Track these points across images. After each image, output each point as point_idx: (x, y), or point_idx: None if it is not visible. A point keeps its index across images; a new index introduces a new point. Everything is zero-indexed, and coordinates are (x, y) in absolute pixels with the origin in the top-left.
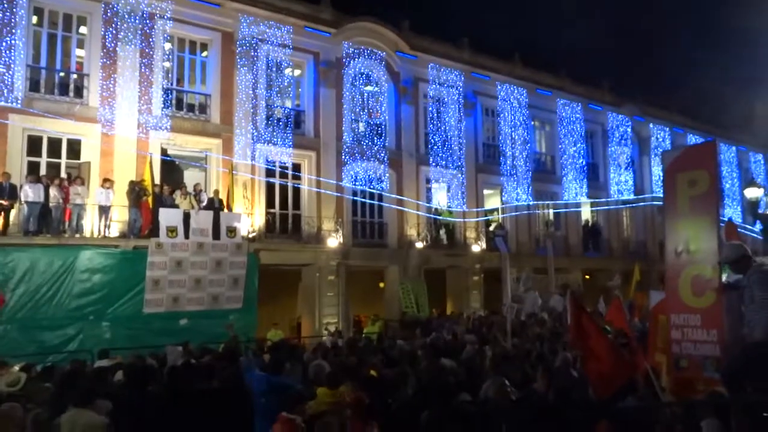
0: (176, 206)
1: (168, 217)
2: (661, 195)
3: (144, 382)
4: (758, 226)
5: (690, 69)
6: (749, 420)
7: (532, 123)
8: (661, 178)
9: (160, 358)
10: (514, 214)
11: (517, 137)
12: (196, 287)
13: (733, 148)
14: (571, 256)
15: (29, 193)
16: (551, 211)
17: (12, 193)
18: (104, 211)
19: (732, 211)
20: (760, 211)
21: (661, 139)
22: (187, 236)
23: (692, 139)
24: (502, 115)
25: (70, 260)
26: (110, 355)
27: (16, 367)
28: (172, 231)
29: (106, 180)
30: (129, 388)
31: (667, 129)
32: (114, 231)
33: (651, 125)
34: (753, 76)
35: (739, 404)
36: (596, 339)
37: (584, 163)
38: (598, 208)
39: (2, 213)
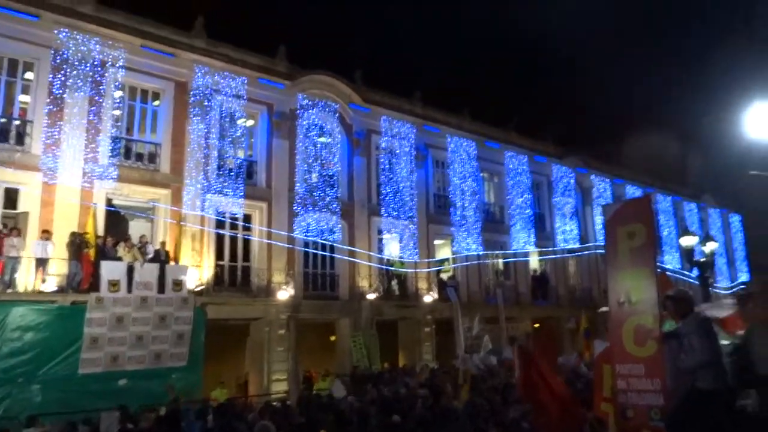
0: (120, 259)
1: (110, 270)
2: (604, 243)
3: None
4: (695, 273)
5: (628, 123)
6: None
7: (481, 174)
8: (603, 229)
9: (93, 425)
10: (464, 264)
11: (466, 188)
12: (137, 345)
13: (669, 198)
14: (520, 305)
15: None
16: (501, 260)
17: None
18: (41, 264)
19: (671, 258)
20: (696, 258)
21: (602, 190)
22: (130, 290)
23: (631, 190)
24: (452, 166)
25: (0, 317)
26: (40, 422)
27: None
28: (114, 285)
29: (44, 231)
30: None
31: (608, 180)
32: (51, 285)
33: (593, 176)
34: (686, 132)
35: None
36: (544, 391)
37: (531, 213)
38: (546, 257)
39: None
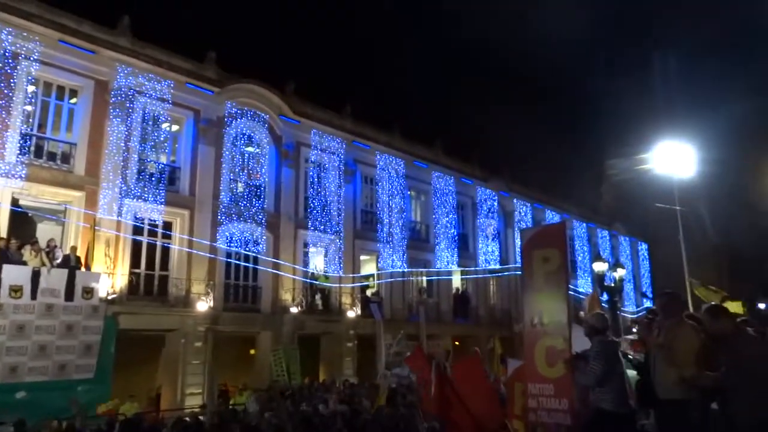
0: (24, 263)
1: (13, 275)
2: (521, 266)
3: None
4: (605, 297)
5: (548, 149)
6: None
7: (409, 193)
8: (520, 252)
9: None
10: (389, 280)
11: (394, 206)
12: (39, 355)
13: (584, 224)
14: (442, 323)
15: None
16: (425, 278)
17: None
18: None
19: (584, 282)
20: (606, 283)
21: (523, 214)
22: (34, 297)
23: (550, 215)
24: (380, 183)
25: None
26: None
27: None
28: (16, 291)
29: None
30: None
31: (529, 204)
32: None
33: (515, 200)
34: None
35: None
36: (458, 410)
37: (456, 233)
38: (468, 276)
39: None
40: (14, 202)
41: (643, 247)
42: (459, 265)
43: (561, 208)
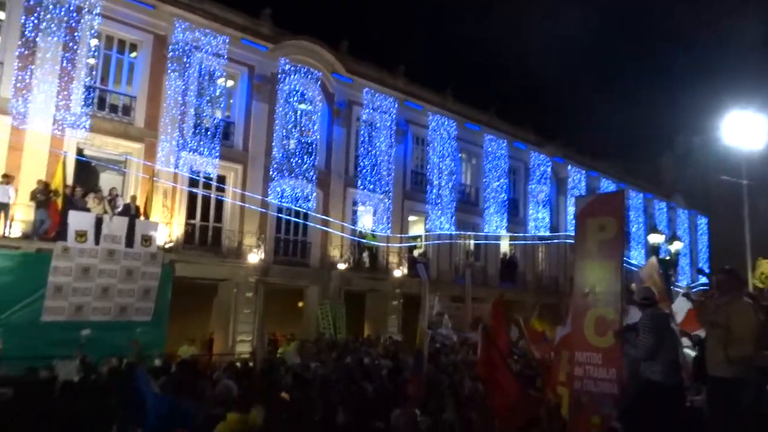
0: (88, 210)
1: (78, 220)
2: (574, 234)
3: (36, 400)
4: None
5: (608, 118)
6: None
7: (460, 155)
8: (574, 219)
9: (55, 372)
10: (436, 242)
11: (444, 167)
12: (102, 296)
13: (641, 195)
14: (488, 287)
15: None
16: (472, 241)
17: None
18: (3, 208)
19: (637, 254)
20: (661, 256)
21: (577, 181)
22: (97, 242)
23: (605, 183)
24: (431, 144)
25: None
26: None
27: None
28: (81, 236)
29: (5, 176)
30: (18, 405)
31: (583, 172)
32: (16, 231)
33: (569, 167)
34: (663, 132)
35: None
36: (504, 373)
37: (506, 197)
38: (516, 242)
39: None
40: (79, 152)
41: (702, 221)
42: (508, 230)
43: (617, 177)
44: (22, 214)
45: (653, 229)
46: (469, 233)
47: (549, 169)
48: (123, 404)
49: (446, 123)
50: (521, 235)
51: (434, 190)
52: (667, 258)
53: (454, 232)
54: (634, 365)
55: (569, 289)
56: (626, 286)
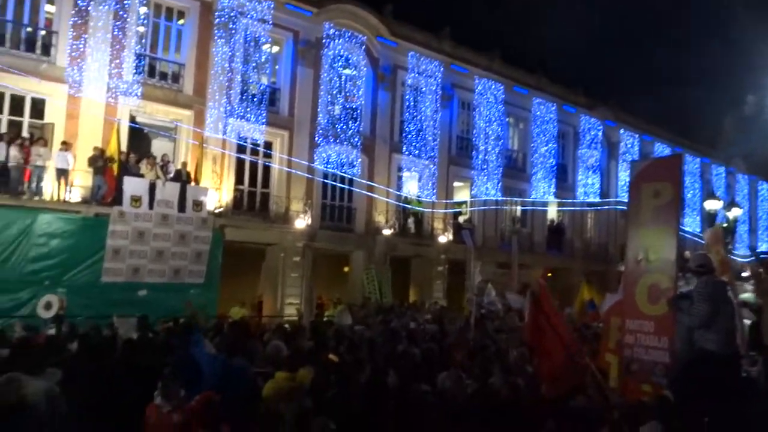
0: (142, 176)
1: (133, 186)
2: (626, 200)
3: (99, 354)
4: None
5: (663, 79)
6: (691, 425)
7: (507, 119)
8: (628, 184)
9: (115, 330)
10: (482, 208)
11: (491, 132)
12: (157, 259)
13: (698, 159)
14: (534, 254)
15: None
16: (519, 207)
17: None
18: (63, 174)
19: (691, 221)
20: (717, 222)
21: (629, 146)
22: (151, 207)
23: (659, 148)
24: (478, 109)
25: (28, 223)
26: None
27: None
28: (136, 200)
29: (63, 143)
30: (83, 359)
31: (637, 136)
32: (75, 196)
33: (621, 131)
34: (724, 95)
35: (684, 409)
36: (551, 339)
37: (554, 163)
38: (564, 208)
39: None
40: (132, 119)
41: (764, 187)
42: (556, 197)
43: (673, 141)
44: (81, 180)
45: (710, 194)
46: (515, 199)
47: (600, 134)
48: (174, 362)
49: (493, 86)
50: (570, 201)
51: (480, 156)
52: (725, 225)
53: (500, 198)
54: (688, 334)
55: (619, 257)
56: (680, 254)
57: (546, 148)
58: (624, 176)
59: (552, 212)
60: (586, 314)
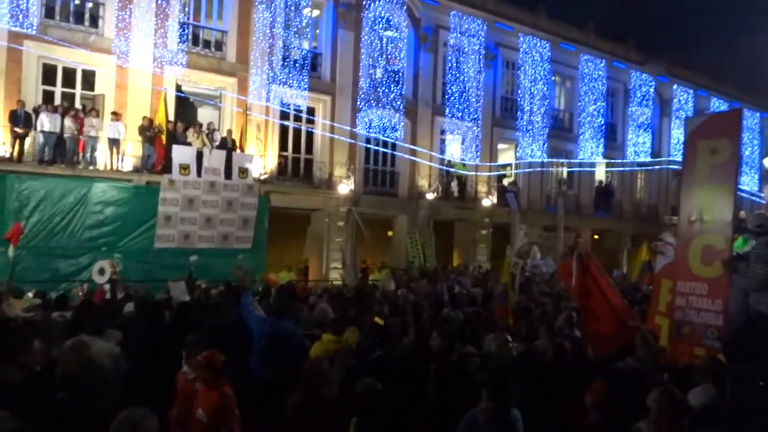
0: (189, 144)
1: (181, 154)
2: (678, 159)
3: (154, 316)
4: None
5: (720, 30)
6: (745, 388)
7: (553, 78)
8: (681, 142)
9: (168, 293)
10: (527, 170)
11: (536, 92)
12: (206, 225)
13: (757, 114)
14: (581, 216)
15: (45, 122)
16: (565, 169)
17: (27, 121)
18: (115, 144)
19: (748, 179)
20: None
21: (683, 102)
22: (199, 174)
23: (716, 103)
24: (522, 68)
25: (84, 192)
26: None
27: (30, 294)
28: (184, 169)
29: (114, 113)
30: (140, 320)
31: (691, 91)
32: (127, 165)
33: (674, 86)
34: None
35: (738, 372)
36: (598, 300)
37: (602, 122)
38: (613, 169)
39: (18, 140)
40: (178, 88)
41: None
42: (604, 157)
43: (730, 96)
44: (132, 149)
45: None
46: (561, 161)
47: (651, 90)
48: (226, 324)
49: (538, 44)
50: (619, 161)
51: (525, 117)
52: None
53: (545, 160)
54: (743, 296)
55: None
56: (735, 214)
57: (594, 106)
58: (677, 134)
59: (600, 173)
60: (644, 275)
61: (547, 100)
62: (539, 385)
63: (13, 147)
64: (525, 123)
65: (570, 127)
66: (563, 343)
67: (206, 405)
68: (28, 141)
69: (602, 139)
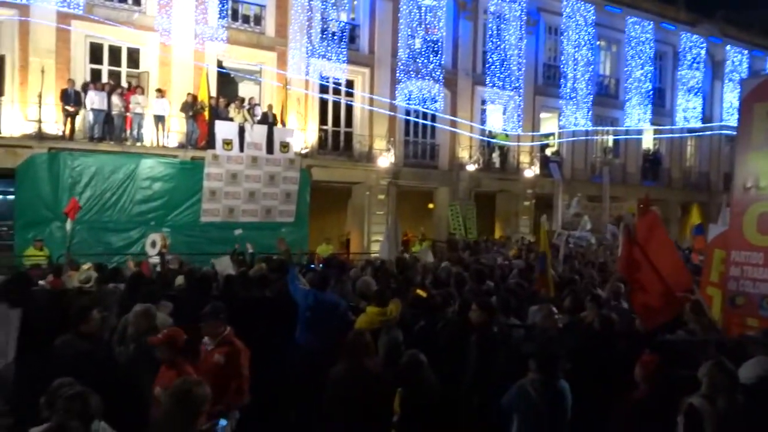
0: (231, 119)
1: (224, 129)
2: (732, 124)
3: (203, 287)
4: None
5: None
6: None
7: (598, 43)
8: (735, 106)
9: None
10: (571, 139)
11: (580, 58)
12: (250, 200)
13: None
14: (627, 185)
15: (94, 100)
16: (611, 137)
17: (77, 99)
18: (160, 120)
19: None
20: None
21: (737, 63)
22: (242, 149)
23: None
24: (565, 33)
25: (132, 168)
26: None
27: (85, 266)
28: (227, 144)
29: (158, 90)
30: (189, 292)
31: (746, 52)
32: (173, 141)
33: (728, 47)
34: None
35: None
36: (646, 271)
37: (650, 87)
38: (662, 135)
39: (69, 118)
40: (219, 64)
41: None
42: (652, 123)
43: None
44: (178, 125)
45: None
46: (607, 128)
47: (703, 52)
48: (272, 295)
49: (582, 7)
50: (668, 128)
51: (568, 84)
52: None
53: (590, 128)
54: None
55: (723, 186)
56: None
57: (641, 71)
58: (730, 97)
59: (648, 140)
60: (694, 238)
61: (592, 66)
62: (587, 357)
63: (65, 125)
64: (568, 90)
65: (616, 94)
66: (610, 314)
67: (163, 384)
68: (78, 119)
69: (650, 105)
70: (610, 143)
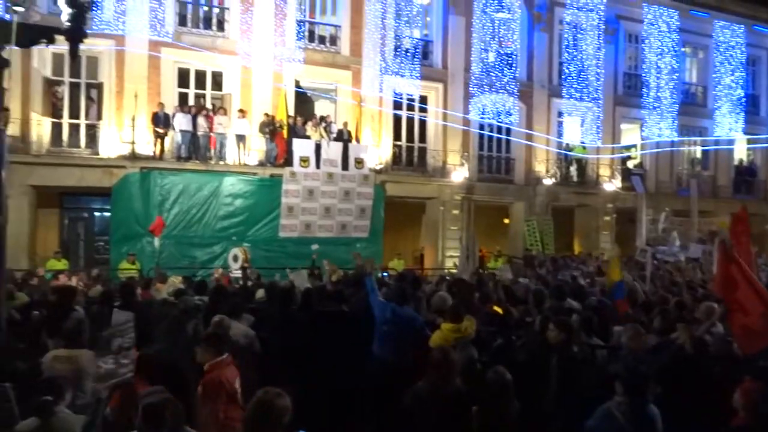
0: (308, 137)
1: (301, 147)
2: None
3: (283, 301)
4: None
5: None
6: None
7: (683, 49)
8: None
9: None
10: (654, 151)
11: (663, 66)
12: (326, 215)
13: None
14: (718, 198)
15: (182, 121)
16: (698, 148)
17: (166, 121)
18: (241, 140)
19: None
20: None
21: None
22: (318, 166)
23: None
24: (647, 40)
25: (216, 185)
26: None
27: (174, 279)
28: (304, 161)
29: (240, 111)
30: (269, 305)
31: None
32: (253, 159)
33: None
34: None
35: None
36: (745, 291)
37: (742, 94)
38: (756, 145)
39: (159, 140)
40: (296, 84)
41: None
42: (745, 132)
43: None
44: (258, 144)
45: None
46: (694, 138)
47: None
48: (351, 309)
49: (665, 13)
50: (763, 137)
51: (651, 93)
52: None
53: (676, 139)
54: None
55: None
56: None
57: (732, 77)
58: None
59: (740, 151)
60: None
61: (677, 74)
62: (678, 380)
63: (155, 145)
64: (651, 100)
65: (704, 102)
66: (704, 337)
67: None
68: (167, 140)
69: (742, 114)
70: (698, 154)
